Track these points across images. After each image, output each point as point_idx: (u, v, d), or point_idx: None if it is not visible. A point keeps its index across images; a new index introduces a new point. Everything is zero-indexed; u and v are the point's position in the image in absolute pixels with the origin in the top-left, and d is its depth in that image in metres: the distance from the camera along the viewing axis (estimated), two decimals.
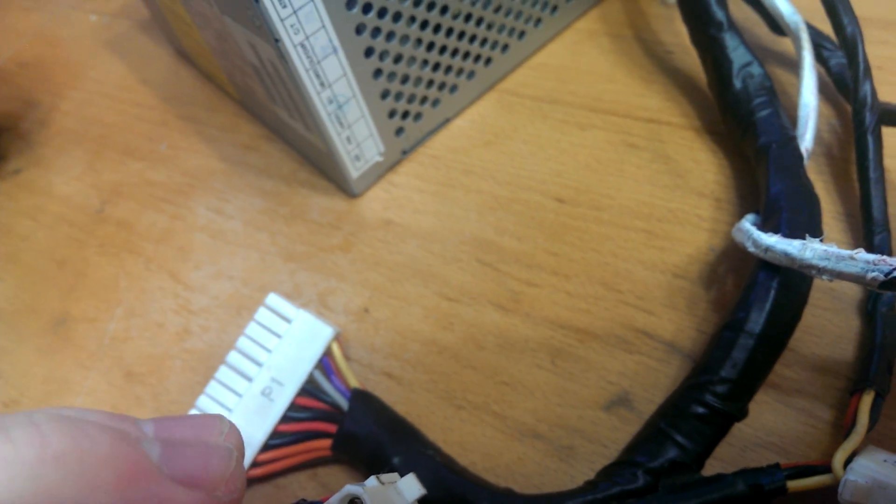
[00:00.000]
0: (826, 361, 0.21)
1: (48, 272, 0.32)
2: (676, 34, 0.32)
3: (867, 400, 0.18)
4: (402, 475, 0.20)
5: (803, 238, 0.18)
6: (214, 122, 0.36)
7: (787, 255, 0.18)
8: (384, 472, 0.20)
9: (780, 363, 0.21)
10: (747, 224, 0.21)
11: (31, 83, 0.43)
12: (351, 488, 0.14)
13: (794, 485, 0.18)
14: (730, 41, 0.26)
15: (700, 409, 0.19)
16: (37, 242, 0.34)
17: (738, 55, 0.25)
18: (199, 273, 0.30)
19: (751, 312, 0.19)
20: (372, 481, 0.15)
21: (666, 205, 0.26)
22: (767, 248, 0.19)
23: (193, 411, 0.23)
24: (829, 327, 0.22)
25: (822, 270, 0.17)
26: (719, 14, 0.26)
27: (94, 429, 0.12)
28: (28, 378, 0.29)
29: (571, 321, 0.24)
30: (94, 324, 0.29)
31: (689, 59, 0.30)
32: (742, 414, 0.19)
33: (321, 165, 0.31)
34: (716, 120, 0.28)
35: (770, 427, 0.21)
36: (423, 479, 0.19)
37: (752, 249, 0.20)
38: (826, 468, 0.17)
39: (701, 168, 0.27)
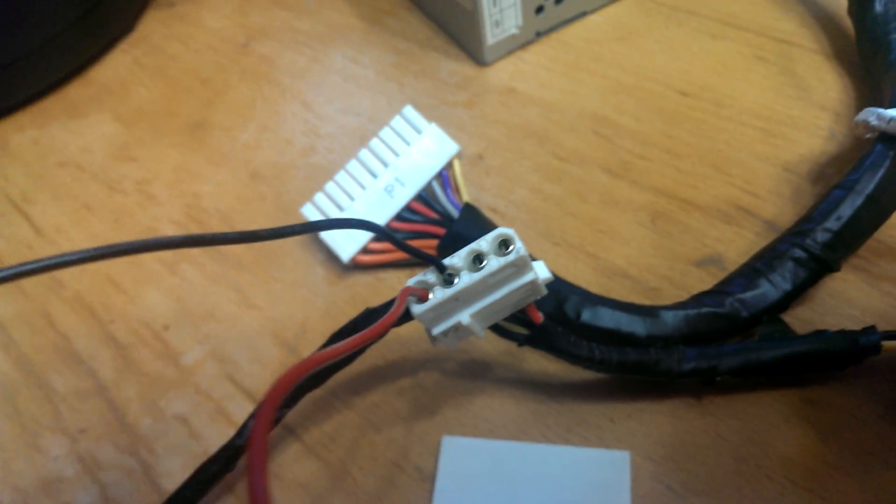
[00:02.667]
0: None
1: (191, 86, 0.35)
2: None
3: None
4: None
5: None
6: None
7: None
8: None
9: (871, 251, 0.22)
10: (871, 108, 0.21)
11: None
12: (505, 230, 0.16)
13: (889, 344, 0.19)
14: None
15: (797, 252, 0.20)
16: (184, 62, 0.37)
17: None
18: (329, 106, 0.32)
19: (863, 174, 0.20)
20: (522, 245, 0.16)
21: (786, 111, 0.27)
22: (891, 119, 0.20)
23: (320, 194, 0.25)
24: None
25: None
26: None
27: None
28: (161, 165, 0.32)
29: (677, 192, 0.26)
30: (229, 132, 0.32)
31: None
32: (836, 265, 0.20)
33: (458, 30, 0.33)
34: (849, 49, 0.29)
35: (854, 301, 0.22)
36: None
37: (874, 122, 0.21)
38: None
39: (826, 86, 0.28)
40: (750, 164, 0.26)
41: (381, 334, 0.15)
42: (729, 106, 0.28)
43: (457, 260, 0.16)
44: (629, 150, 0.27)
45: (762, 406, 0.20)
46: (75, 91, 0.36)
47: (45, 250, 0.29)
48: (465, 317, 0.17)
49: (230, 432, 0.21)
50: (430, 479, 0.21)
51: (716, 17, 0.32)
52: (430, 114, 0.30)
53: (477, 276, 0.16)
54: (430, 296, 0.16)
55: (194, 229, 0.29)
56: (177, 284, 0.27)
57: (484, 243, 0.16)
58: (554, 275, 0.22)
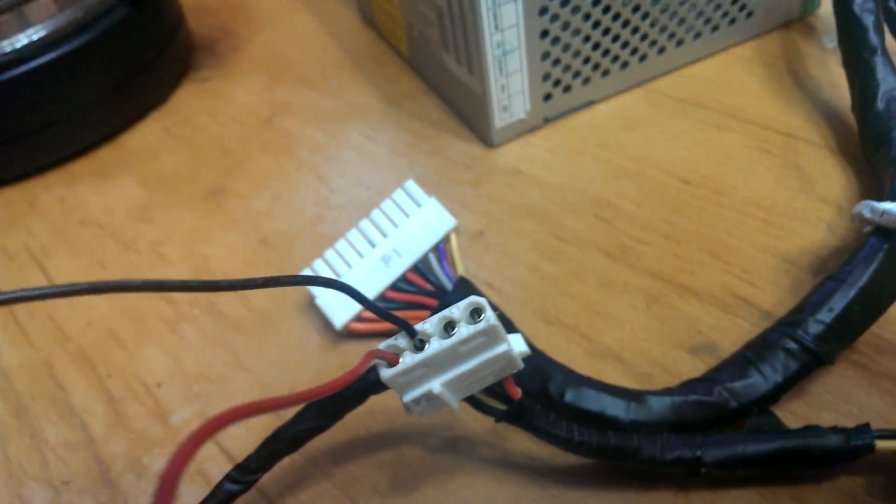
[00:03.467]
0: None
1: (214, 155, 0.37)
2: (828, 73, 0.33)
3: None
4: None
5: None
6: (382, 72, 0.40)
7: None
8: None
9: (872, 347, 0.22)
10: (867, 201, 0.21)
11: (233, 18, 0.49)
12: (477, 298, 0.16)
13: (883, 445, 0.18)
14: (881, 66, 0.27)
15: (788, 343, 0.19)
16: (209, 132, 0.38)
17: (886, 79, 0.27)
18: (342, 180, 0.33)
19: (856, 266, 0.20)
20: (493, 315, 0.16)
21: (789, 203, 0.27)
22: (884, 212, 0.20)
23: (319, 260, 0.26)
24: None
25: None
26: (875, 39, 0.27)
27: None
28: (176, 227, 0.33)
29: (674, 277, 0.25)
30: (244, 199, 0.33)
31: (837, 93, 0.32)
32: (829, 358, 0.19)
33: (469, 113, 0.34)
34: (852, 144, 0.29)
35: (851, 398, 0.21)
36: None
37: (868, 215, 0.20)
38: None
39: (829, 180, 0.28)
40: (749, 253, 0.26)
41: (328, 392, 0.15)
42: (731, 195, 0.28)
43: (428, 326, 0.16)
44: (628, 233, 0.27)
45: (750, 503, 0.19)
46: (105, 155, 0.38)
47: (56, 302, 0.30)
48: (436, 385, 0.16)
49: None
50: None
51: (722, 110, 0.32)
52: (436, 190, 0.31)
53: (447, 343, 0.16)
54: (400, 361, 0.16)
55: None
56: (175, 343, 0.27)
57: (455, 310, 0.16)
58: (540, 352, 0.21)
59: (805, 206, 0.27)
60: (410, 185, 0.26)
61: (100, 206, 0.35)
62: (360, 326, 0.25)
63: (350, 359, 0.25)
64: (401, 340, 0.16)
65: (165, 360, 0.27)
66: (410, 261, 0.25)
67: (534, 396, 0.20)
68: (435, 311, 0.24)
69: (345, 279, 0.25)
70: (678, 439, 0.19)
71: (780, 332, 0.20)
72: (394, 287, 0.25)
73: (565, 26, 0.30)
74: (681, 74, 0.35)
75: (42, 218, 0.35)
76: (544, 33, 0.30)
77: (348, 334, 0.26)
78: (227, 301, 0.28)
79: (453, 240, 0.25)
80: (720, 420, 0.19)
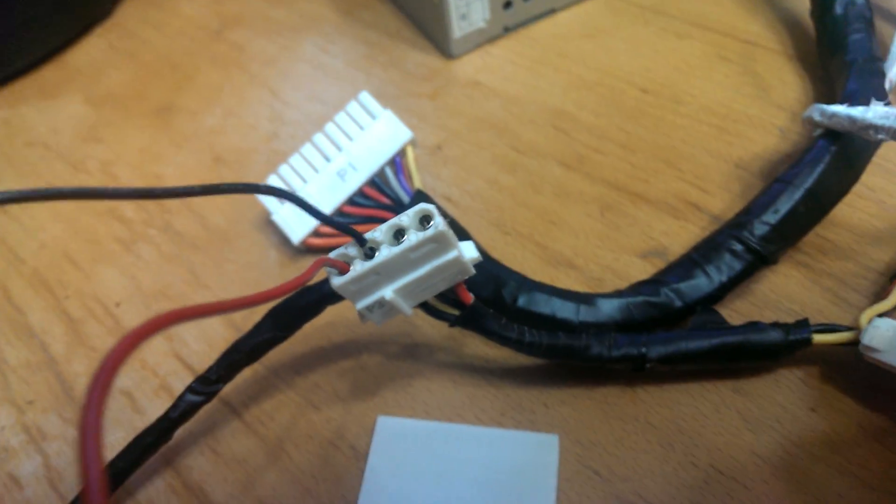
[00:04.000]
0: (861, 257, 0.22)
1: (162, 70, 0.35)
2: None
3: None
4: None
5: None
6: None
7: (849, 117, 0.19)
8: None
9: (816, 248, 0.22)
10: (819, 104, 0.22)
11: None
12: (426, 206, 0.16)
13: (819, 338, 0.19)
14: None
15: (734, 244, 0.20)
16: (156, 47, 0.37)
17: None
18: (296, 94, 0.32)
19: (803, 168, 0.20)
20: (442, 221, 0.16)
21: (744, 110, 0.27)
22: (833, 115, 0.20)
23: (273, 176, 0.25)
24: (871, 230, 0.23)
25: (880, 129, 0.18)
26: None
27: None
28: (126, 147, 0.32)
29: (628, 185, 0.26)
30: (195, 116, 0.32)
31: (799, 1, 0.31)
32: (772, 258, 0.20)
33: (427, 23, 0.33)
34: (810, 51, 0.29)
35: (793, 296, 0.22)
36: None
37: (817, 118, 0.21)
38: (850, 329, 0.18)
39: (785, 87, 0.28)
40: (702, 160, 0.26)
41: (277, 296, 0.15)
42: (687, 103, 0.28)
43: (378, 234, 0.16)
44: (585, 143, 0.27)
45: (693, 395, 0.20)
46: (49, 73, 0.37)
47: (6, 225, 0.30)
48: (388, 292, 0.17)
49: None
50: (363, 457, 0.21)
51: (683, 17, 0.32)
52: (393, 104, 0.31)
53: (396, 249, 0.16)
54: (350, 268, 0.16)
55: (154, 209, 0.29)
56: (132, 262, 0.27)
57: (405, 218, 0.16)
58: (494, 261, 0.22)
59: (760, 112, 0.27)
60: (365, 96, 0.26)
61: (46, 127, 0.34)
62: (317, 241, 0.25)
63: None
64: (351, 249, 0.16)
65: (122, 279, 0.27)
66: (367, 175, 0.25)
67: (488, 302, 0.21)
68: None
69: (300, 194, 0.25)
70: (625, 338, 0.19)
71: (725, 234, 0.20)
72: (351, 202, 0.25)
73: None
74: None
75: None
76: None
77: (307, 249, 0.26)
78: (182, 220, 0.28)
79: (410, 153, 0.25)
80: (666, 319, 0.20)
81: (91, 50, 0.38)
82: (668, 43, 0.31)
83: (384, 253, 0.16)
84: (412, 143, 0.25)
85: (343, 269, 0.16)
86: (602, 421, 0.20)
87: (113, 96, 0.34)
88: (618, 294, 0.20)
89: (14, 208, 0.30)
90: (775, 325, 0.19)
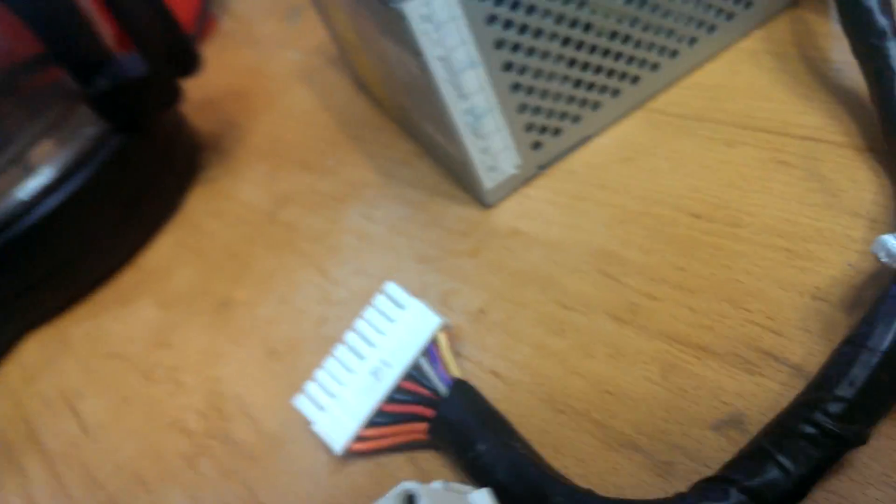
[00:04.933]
0: None
1: (222, 262, 0.37)
2: (847, 53, 0.29)
3: None
4: (485, 463, 0.20)
5: None
6: (377, 140, 0.39)
7: None
8: (469, 457, 0.20)
9: None
10: (885, 236, 0.18)
11: (236, 109, 0.49)
12: (407, 485, 0.14)
13: None
14: (893, 50, 0.23)
15: (808, 429, 0.17)
16: (218, 238, 0.38)
17: None
18: (342, 269, 0.32)
19: (876, 327, 0.17)
20: (436, 484, 0.15)
21: (813, 223, 0.24)
22: None
23: (311, 384, 0.25)
24: None
25: None
26: (882, 21, 0.23)
27: None
28: (190, 349, 0.33)
29: (690, 337, 0.23)
30: (250, 307, 0.33)
31: (860, 77, 0.28)
32: (859, 439, 0.16)
33: (460, 177, 0.32)
34: (879, 138, 0.25)
35: None
36: (501, 469, 0.19)
37: (884, 259, 0.17)
38: None
39: (858, 187, 0.24)
40: (772, 294, 0.23)
41: None
42: (747, 225, 0.25)
43: None
44: (637, 289, 0.25)
45: None
46: (125, 278, 0.39)
47: (88, 447, 0.31)
48: None
49: None
50: None
51: (730, 120, 0.29)
52: (434, 266, 0.30)
53: None
54: None
55: (213, 416, 0.29)
56: (193, 481, 0.27)
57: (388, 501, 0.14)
58: (537, 465, 0.20)
59: (832, 224, 0.24)
60: (392, 288, 0.25)
61: (122, 336, 0.35)
62: (362, 446, 0.24)
63: (358, 480, 0.24)
64: None
65: (185, 500, 0.26)
66: (401, 370, 0.23)
67: None
68: (431, 421, 0.22)
69: (338, 400, 0.24)
70: None
71: (797, 416, 0.17)
72: (390, 399, 0.24)
73: (537, 74, 0.28)
74: (682, 86, 0.32)
75: (73, 356, 0.36)
76: (515, 87, 0.28)
77: (353, 455, 0.24)
78: (239, 427, 0.28)
79: (443, 340, 0.24)
80: None
81: (161, 249, 0.40)
82: (717, 153, 0.28)
83: None
84: (445, 327, 0.24)
85: None
86: None
87: (179, 296, 0.36)
88: (680, 500, 0.17)
89: (93, 426, 0.32)
90: None
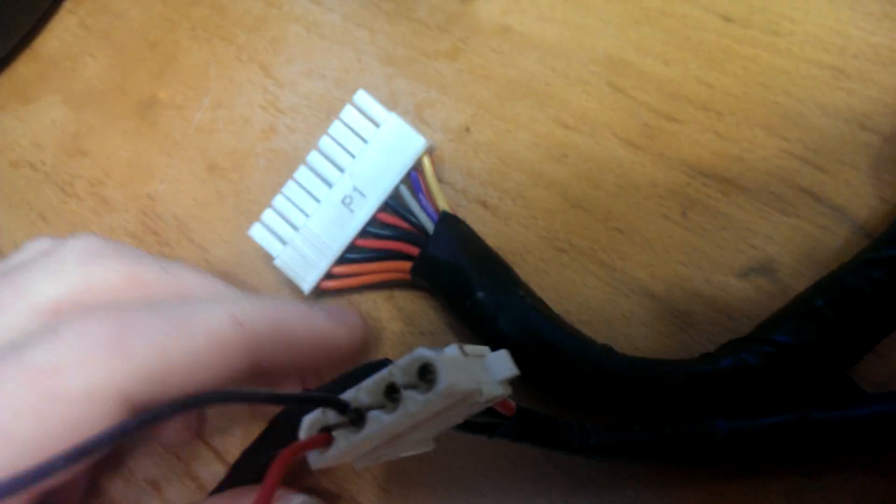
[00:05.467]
0: None
1: (139, 52, 0.30)
2: None
3: None
4: (485, 314, 0.18)
5: None
6: None
7: None
8: (465, 306, 0.18)
9: None
10: None
11: None
12: (424, 353, 0.11)
13: None
14: None
15: (871, 290, 0.14)
16: (130, 21, 0.31)
17: None
18: (290, 68, 0.27)
19: None
20: (452, 349, 0.12)
21: (867, 38, 0.20)
22: None
23: (269, 211, 0.21)
24: None
25: None
26: None
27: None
28: (114, 160, 0.28)
29: (716, 168, 0.20)
30: (181, 111, 0.28)
31: None
32: None
33: None
34: None
35: None
36: (505, 321, 0.17)
37: None
38: None
39: None
40: (814, 120, 0.19)
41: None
42: (788, 33, 0.21)
43: (363, 395, 0.12)
44: (654, 107, 0.21)
45: None
46: (23, 68, 0.32)
47: None
48: (390, 452, 0.13)
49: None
50: None
51: None
52: (405, 69, 0.25)
53: (390, 419, 0.11)
54: (333, 445, 0.12)
55: (150, 240, 0.25)
56: None
57: (397, 372, 0.12)
58: (540, 315, 0.17)
59: (890, 40, 0.20)
60: (362, 97, 0.20)
61: (28, 139, 0.30)
62: (332, 284, 0.21)
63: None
64: (331, 415, 0.12)
65: None
66: (377, 200, 0.20)
67: (548, 380, 0.16)
68: (416, 260, 0.19)
69: (302, 232, 0.20)
70: (725, 425, 0.15)
71: (860, 275, 0.15)
72: (365, 233, 0.20)
73: None
74: None
75: None
76: None
77: (322, 291, 0.21)
78: (183, 255, 0.24)
79: (427, 165, 0.20)
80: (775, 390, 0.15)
81: (62, 31, 0.33)
82: None
83: (374, 424, 0.12)
84: (429, 150, 0.20)
85: (323, 442, 0.12)
86: None
87: (92, 93, 0.30)
88: (710, 362, 0.15)
89: (8, 246, 0.27)
90: None
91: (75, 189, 0.28)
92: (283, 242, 0.21)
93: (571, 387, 0.16)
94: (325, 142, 0.20)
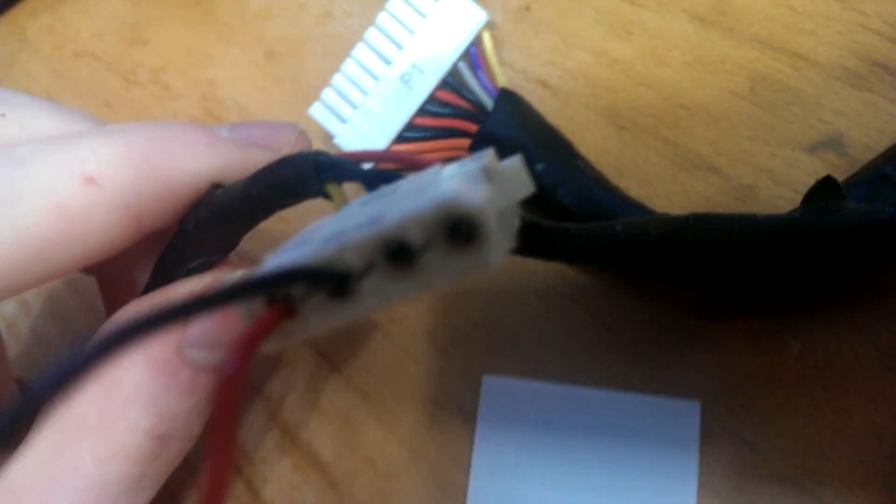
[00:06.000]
0: None
1: None
2: None
3: None
4: (545, 183, 0.18)
5: None
6: None
7: None
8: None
9: None
10: None
11: None
12: (458, 197, 0.08)
13: None
14: None
15: None
16: None
17: None
18: None
19: None
20: (479, 186, 0.09)
21: None
22: None
23: (328, 90, 0.21)
24: None
25: None
26: None
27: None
28: (173, 49, 0.28)
29: (788, 42, 0.19)
30: (237, 0, 0.28)
31: None
32: None
33: None
34: None
35: None
36: (568, 192, 0.17)
37: None
38: None
39: None
40: None
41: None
42: None
43: (351, 255, 0.09)
44: None
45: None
46: None
47: None
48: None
49: None
50: (472, 418, 0.19)
51: None
52: None
53: (397, 290, 0.09)
54: (298, 319, 0.09)
55: (212, 125, 0.26)
56: None
57: (414, 228, 0.08)
58: (600, 185, 0.17)
59: None
60: None
61: (89, 31, 0.30)
62: (390, 163, 0.21)
63: None
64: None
65: None
66: (437, 77, 0.20)
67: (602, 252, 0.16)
68: (474, 137, 0.19)
69: (361, 110, 0.20)
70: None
71: None
72: (423, 111, 0.20)
73: None
74: None
75: (37, 55, 0.31)
76: None
77: None
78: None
79: (487, 40, 0.20)
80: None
81: None
82: None
83: (370, 300, 0.09)
84: (488, 24, 0.20)
85: (279, 320, 0.09)
86: (758, 383, 0.16)
87: None
88: (768, 221, 0.15)
89: None
90: None
91: (137, 77, 0.28)
92: (343, 121, 0.21)
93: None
94: (383, 18, 0.20)
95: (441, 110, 0.20)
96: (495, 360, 0.19)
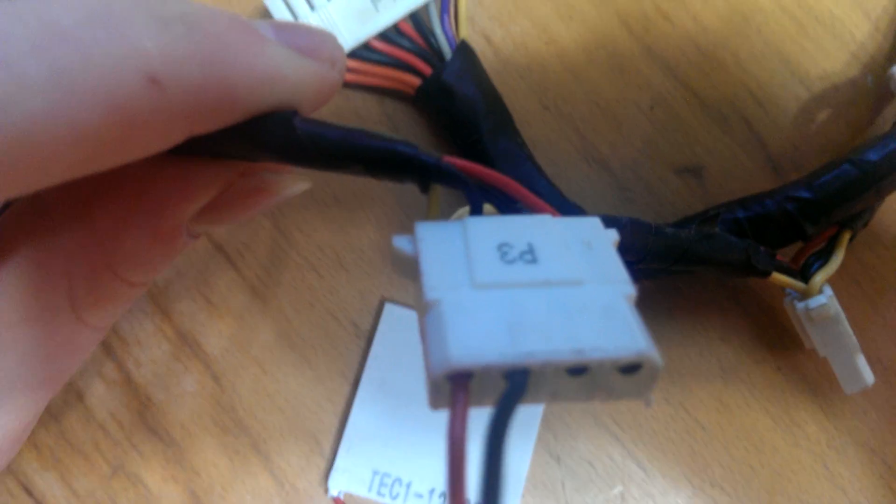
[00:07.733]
0: None
1: None
2: None
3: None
4: (487, 151, 0.20)
5: None
6: None
7: None
8: (470, 140, 0.20)
9: None
10: None
11: None
12: (640, 348, 0.10)
13: (776, 277, 0.19)
14: None
15: (782, 219, 0.19)
16: None
17: None
18: None
19: (883, 158, 0.19)
20: (626, 308, 0.11)
21: (832, 7, 0.24)
22: None
23: None
24: None
25: None
26: None
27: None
28: None
29: (688, 77, 0.23)
30: None
31: None
32: (810, 232, 0.20)
33: None
34: None
35: None
36: (507, 168, 0.19)
37: None
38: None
39: None
40: (771, 64, 0.23)
41: None
42: None
43: (545, 369, 0.10)
44: (657, 2, 0.23)
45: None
46: None
47: None
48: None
49: None
50: (364, 336, 0.21)
51: None
52: None
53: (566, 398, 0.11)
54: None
55: None
56: None
57: (594, 364, 0.10)
58: (537, 170, 0.20)
59: (845, 14, 0.24)
60: None
61: None
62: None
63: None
64: None
65: None
66: (405, 8, 0.20)
67: None
68: (426, 80, 0.20)
69: (319, 12, 0.20)
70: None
71: (778, 200, 0.19)
72: (383, 36, 0.20)
73: None
74: None
75: None
76: None
77: None
78: None
79: None
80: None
81: None
82: None
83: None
84: None
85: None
86: None
87: None
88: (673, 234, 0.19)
89: None
90: (748, 244, 0.19)
91: None
92: (296, 18, 0.20)
93: None
94: None
95: (400, 41, 0.20)
96: (394, 289, 0.21)
